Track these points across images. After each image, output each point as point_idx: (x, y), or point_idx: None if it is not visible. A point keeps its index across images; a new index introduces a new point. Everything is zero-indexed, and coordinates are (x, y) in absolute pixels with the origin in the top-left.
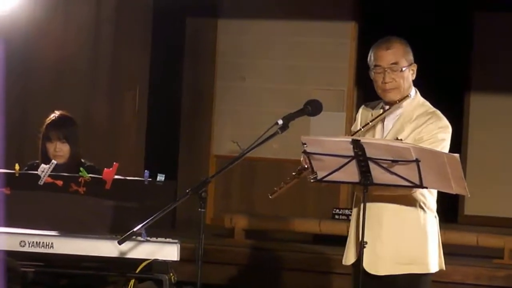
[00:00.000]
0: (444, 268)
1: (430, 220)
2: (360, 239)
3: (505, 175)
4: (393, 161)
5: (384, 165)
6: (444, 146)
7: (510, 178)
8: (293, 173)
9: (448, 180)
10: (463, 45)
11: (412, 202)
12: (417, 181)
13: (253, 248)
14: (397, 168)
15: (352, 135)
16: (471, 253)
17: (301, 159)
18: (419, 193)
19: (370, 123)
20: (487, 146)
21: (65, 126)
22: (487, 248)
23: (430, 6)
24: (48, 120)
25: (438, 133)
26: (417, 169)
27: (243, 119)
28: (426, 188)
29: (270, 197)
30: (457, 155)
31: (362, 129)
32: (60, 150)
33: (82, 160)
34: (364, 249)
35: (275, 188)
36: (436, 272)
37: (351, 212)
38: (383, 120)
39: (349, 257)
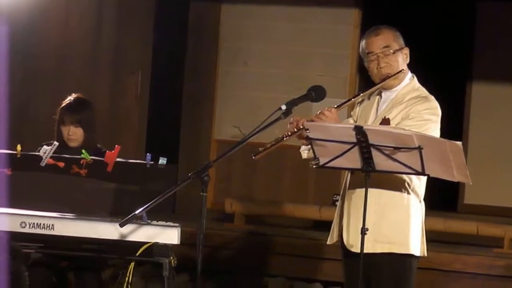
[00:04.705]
0: (426, 255)
1: (414, 203)
2: (362, 225)
3: (506, 164)
4: (395, 148)
5: (387, 152)
6: (430, 127)
7: (511, 167)
8: (280, 136)
9: (450, 168)
10: (465, 34)
11: (396, 182)
12: (419, 169)
13: (253, 234)
14: (399, 155)
15: (340, 105)
16: (471, 242)
17: (288, 125)
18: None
19: (361, 94)
20: (488, 135)
21: (80, 110)
22: (487, 237)
23: None
24: (63, 103)
25: (425, 114)
26: (419, 156)
27: (245, 104)
28: (428, 175)
29: (253, 158)
30: (459, 142)
31: (352, 99)
32: (74, 133)
33: (99, 145)
34: (349, 228)
35: (260, 149)
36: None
37: None
38: (378, 103)
39: (332, 237)
